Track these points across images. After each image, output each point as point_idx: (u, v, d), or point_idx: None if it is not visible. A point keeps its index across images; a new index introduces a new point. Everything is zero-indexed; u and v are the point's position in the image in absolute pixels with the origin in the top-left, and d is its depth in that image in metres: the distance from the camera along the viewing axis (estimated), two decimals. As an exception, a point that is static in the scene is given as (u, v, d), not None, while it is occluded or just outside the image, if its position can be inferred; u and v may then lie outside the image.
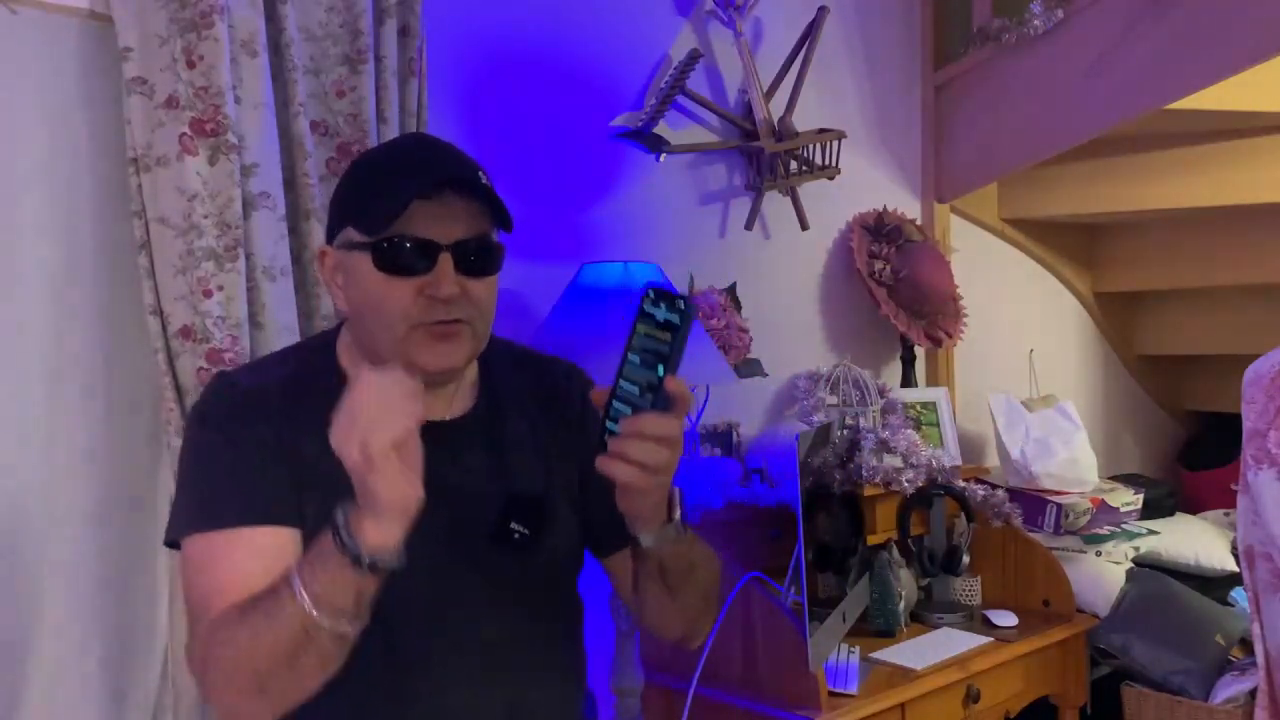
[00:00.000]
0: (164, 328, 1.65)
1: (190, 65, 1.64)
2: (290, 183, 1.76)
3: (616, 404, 0.92)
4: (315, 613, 0.89)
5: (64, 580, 1.66)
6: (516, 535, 1.11)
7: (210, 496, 1.05)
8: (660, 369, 0.89)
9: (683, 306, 0.88)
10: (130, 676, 1.73)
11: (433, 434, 1.01)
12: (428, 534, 1.00)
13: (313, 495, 1.04)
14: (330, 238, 1.14)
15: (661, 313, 0.89)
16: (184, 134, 1.63)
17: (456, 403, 1.17)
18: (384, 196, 1.05)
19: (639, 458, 0.90)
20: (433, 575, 1.09)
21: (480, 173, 1.10)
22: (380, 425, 0.88)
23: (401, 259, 1.05)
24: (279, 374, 1.13)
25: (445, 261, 1.06)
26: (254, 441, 1.06)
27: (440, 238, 1.06)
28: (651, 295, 0.90)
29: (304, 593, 0.89)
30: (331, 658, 0.93)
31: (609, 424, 0.92)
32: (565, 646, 1.24)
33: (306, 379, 1.12)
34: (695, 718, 1.91)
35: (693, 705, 1.90)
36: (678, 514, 1.03)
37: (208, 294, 1.64)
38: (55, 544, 1.65)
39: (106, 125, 1.68)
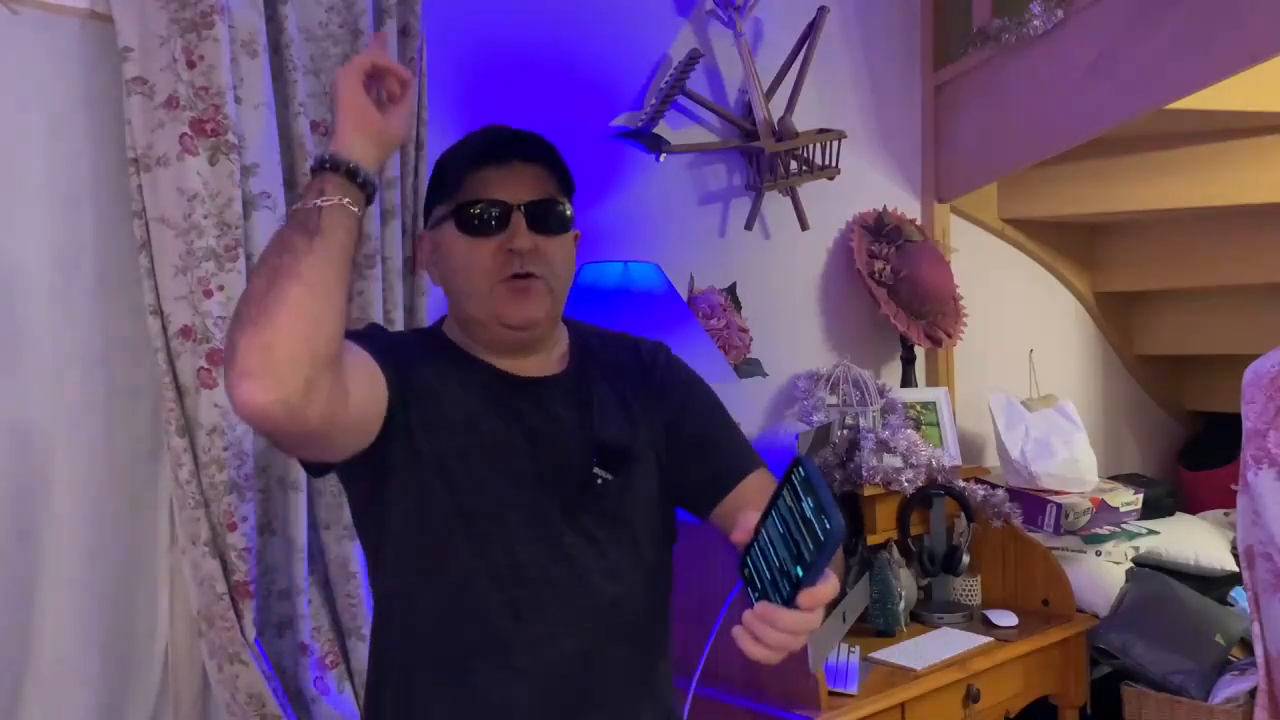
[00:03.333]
0: (164, 328, 1.65)
1: (190, 65, 1.64)
2: (290, 183, 1.76)
3: (756, 551, 0.95)
4: (293, 210, 1.03)
5: (64, 580, 1.66)
6: (600, 480, 1.19)
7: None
8: (799, 570, 0.89)
9: (828, 528, 0.85)
10: (130, 677, 1.73)
11: (526, 388, 1.22)
12: (525, 473, 1.18)
13: (398, 381, 1.16)
14: (426, 224, 1.29)
15: (807, 508, 0.88)
16: (184, 134, 1.63)
17: (549, 366, 1.27)
18: (458, 167, 1.21)
19: (770, 643, 0.93)
20: (529, 515, 1.18)
21: (548, 145, 1.22)
22: (343, 70, 1.09)
23: (479, 218, 1.19)
24: (407, 334, 1.39)
25: (518, 219, 1.19)
26: (378, 339, 1.21)
27: (511, 198, 1.19)
28: (802, 474, 0.90)
29: (292, 207, 1.03)
30: (302, 258, 0.98)
31: (748, 561, 0.96)
32: (650, 614, 1.27)
33: (419, 340, 1.31)
34: (695, 718, 1.91)
35: (693, 705, 1.90)
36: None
37: (208, 294, 1.64)
38: (55, 543, 1.65)
39: (106, 125, 1.68)
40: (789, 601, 0.90)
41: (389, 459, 1.15)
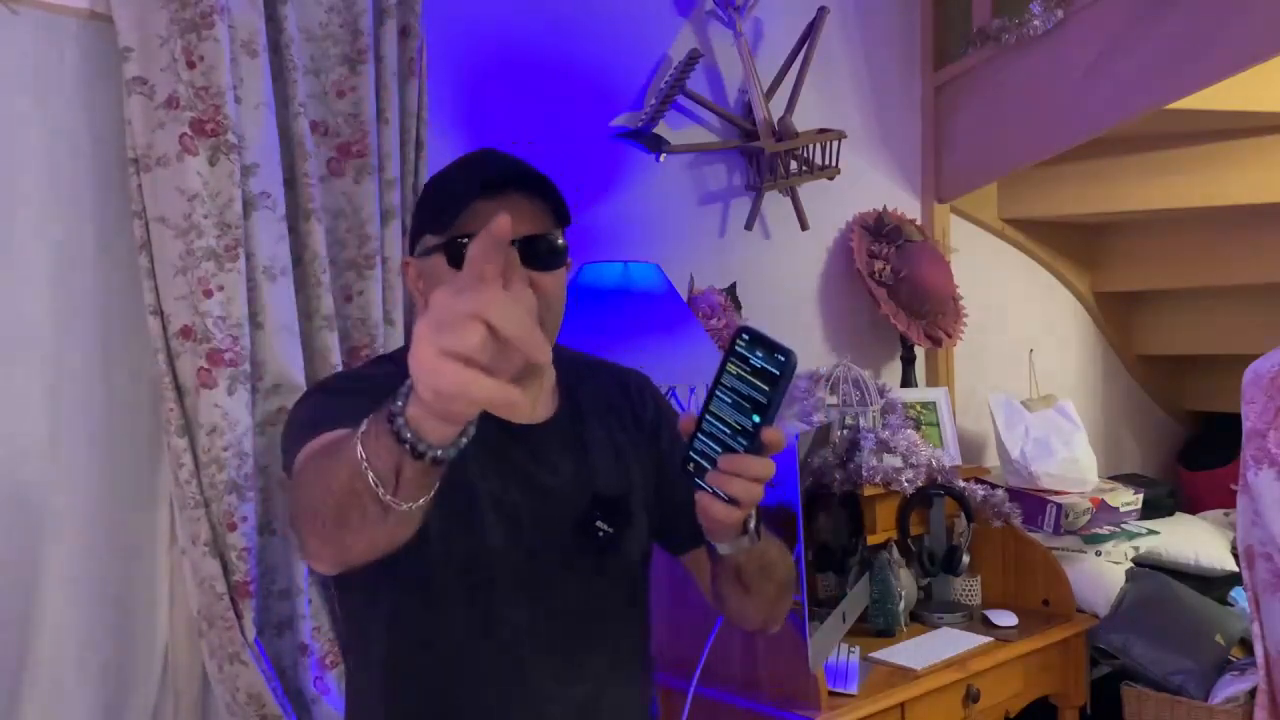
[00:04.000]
0: (164, 328, 1.65)
1: (190, 65, 1.63)
2: (290, 183, 1.76)
3: (702, 438, 0.96)
4: (364, 464, 0.86)
5: (64, 580, 1.66)
6: (601, 534, 1.18)
7: (319, 420, 1.09)
8: (755, 418, 0.92)
9: (783, 360, 0.92)
10: (130, 678, 1.72)
11: (524, 435, 1.18)
12: (524, 528, 1.16)
13: None
14: (412, 250, 1.23)
15: (758, 360, 0.93)
16: (184, 134, 1.63)
17: (540, 407, 1.23)
18: (452, 197, 1.15)
19: (737, 495, 0.95)
20: (527, 567, 1.17)
21: (544, 176, 1.18)
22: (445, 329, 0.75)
23: None
24: (381, 369, 1.25)
25: (512, 255, 1.11)
26: (354, 402, 1.09)
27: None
28: (747, 338, 0.94)
29: (360, 445, 0.87)
30: (374, 523, 0.88)
31: (692, 455, 0.96)
32: (637, 649, 1.29)
33: (401, 375, 1.15)
34: (695, 718, 1.91)
35: (693, 705, 1.90)
36: (753, 524, 1.07)
37: (208, 294, 1.64)
38: (55, 544, 1.65)
39: (106, 125, 1.68)
40: (749, 451, 0.94)
41: None
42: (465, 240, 1.13)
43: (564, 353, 1.29)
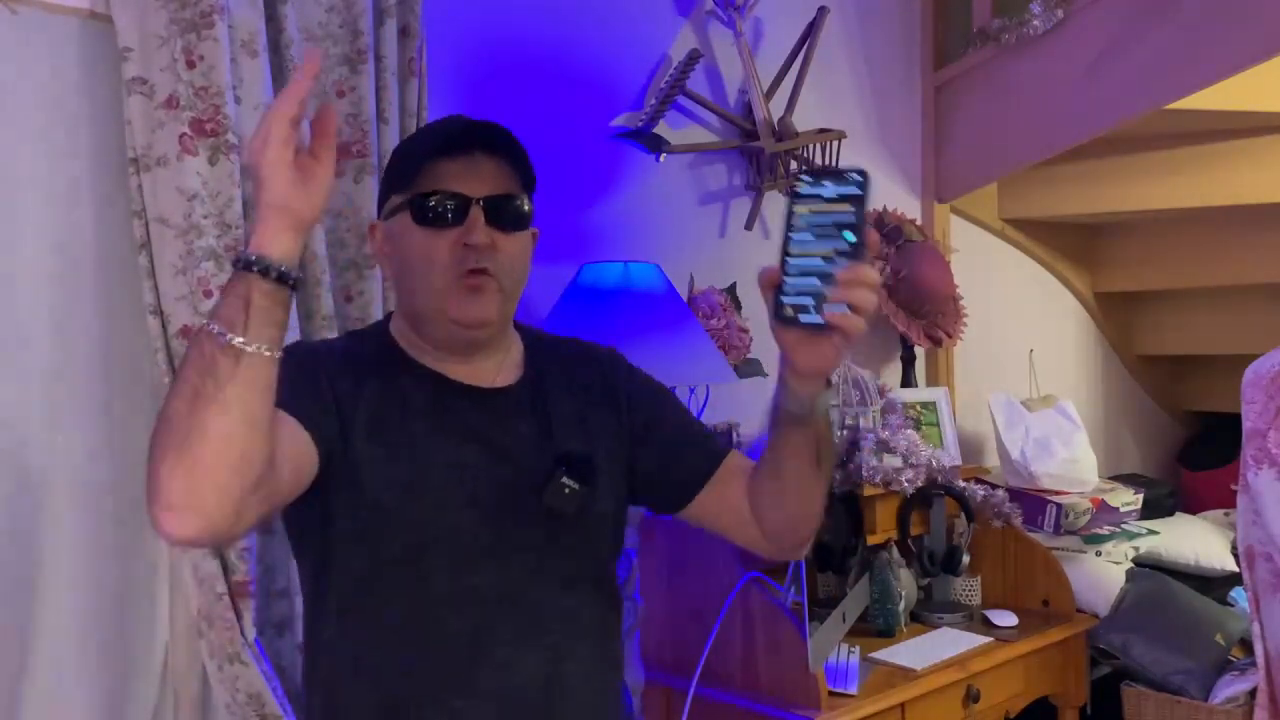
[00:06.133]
0: (164, 328, 1.66)
1: (190, 65, 1.64)
2: (290, 183, 1.76)
3: (792, 280, 0.99)
4: (210, 324, 0.92)
5: (64, 580, 1.66)
6: (567, 490, 1.17)
7: None
8: (849, 235, 0.98)
9: (859, 177, 0.98)
10: (130, 677, 1.72)
11: (483, 400, 1.20)
12: (482, 492, 1.15)
13: (334, 425, 1.12)
14: (379, 213, 1.24)
15: (829, 189, 0.99)
16: (184, 134, 1.63)
17: (503, 374, 1.24)
18: (414, 157, 1.17)
19: (861, 302, 0.98)
20: (486, 529, 1.16)
21: (511, 137, 1.19)
22: (260, 130, 0.93)
23: (436, 211, 1.15)
24: (340, 343, 1.29)
25: (476, 212, 1.15)
26: (309, 370, 1.15)
27: (470, 191, 1.15)
28: (810, 178, 1.00)
29: (208, 318, 0.94)
30: (227, 391, 0.90)
31: (783, 301, 0.99)
32: (604, 626, 1.27)
33: (360, 349, 1.23)
34: (695, 718, 1.91)
35: (693, 705, 1.91)
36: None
37: (208, 294, 1.64)
38: (55, 544, 1.65)
39: (106, 125, 1.68)
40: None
41: (330, 502, 1.12)
42: (431, 198, 1.14)
43: (531, 330, 1.32)
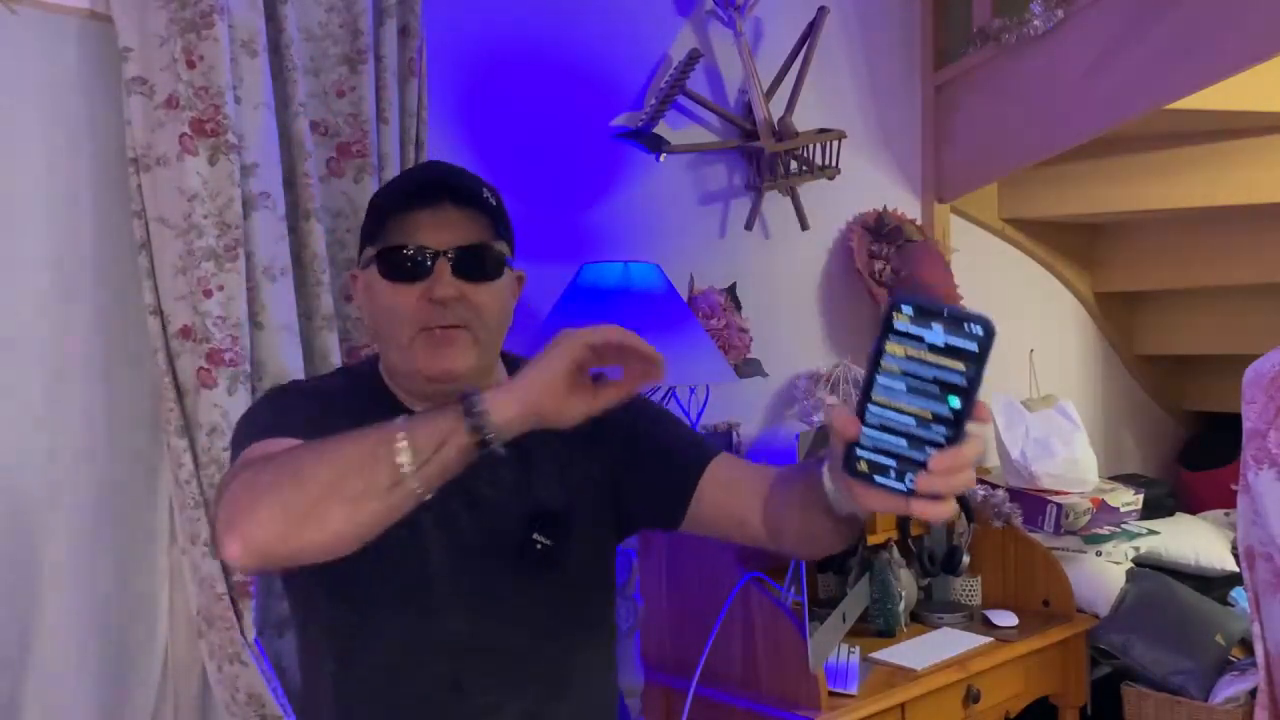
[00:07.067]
0: (164, 328, 1.65)
1: (190, 65, 1.63)
2: (290, 183, 1.76)
3: (873, 432, 0.82)
4: (400, 436, 0.91)
5: (64, 580, 1.66)
6: (539, 546, 1.16)
7: (273, 425, 1.11)
8: (955, 400, 0.79)
9: (981, 332, 0.78)
10: (130, 677, 1.72)
11: None
12: (462, 541, 1.15)
13: None
14: (358, 261, 1.23)
15: (939, 335, 0.78)
16: (184, 134, 1.63)
17: None
18: (382, 210, 1.16)
19: (960, 487, 0.83)
20: (468, 584, 1.16)
21: (483, 186, 1.16)
22: (587, 333, 0.95)
23: (402, 264, 1.14)
24: (337, 382, 1.30)
25: (443, 266, 1.13)
26: (306, 411, 1.16)
27: (437, 244, 1.13)
28: (911, 311, 0.79)
29: (405, 422, 0.93)
30: (371, 497, 0.91)
31: (860, 454, 0.82)
32: (587, 663, 1.25)
33: (356, 388, 1.24)
34: (695, 718, 1.91)
35: (693, 705, 1.91)
36: None
37: (208, 294, 1.64)
38: (55, 544, 1.65)
39: (106, 125, 1.68)
40: (954, 440, 0.79)
41: None
42: (403, 250, 1.13)
43: (519, 362, 1.26)
